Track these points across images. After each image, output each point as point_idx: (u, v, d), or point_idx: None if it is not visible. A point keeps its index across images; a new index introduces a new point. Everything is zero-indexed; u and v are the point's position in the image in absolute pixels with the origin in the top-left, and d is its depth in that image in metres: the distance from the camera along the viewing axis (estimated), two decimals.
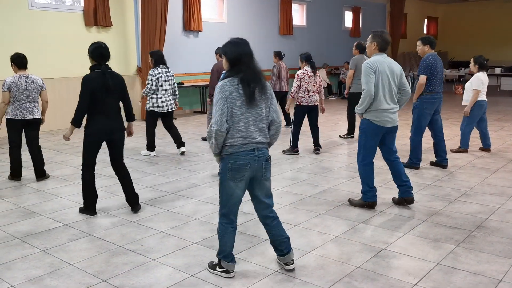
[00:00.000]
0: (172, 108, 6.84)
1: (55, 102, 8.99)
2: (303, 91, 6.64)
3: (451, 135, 8.23)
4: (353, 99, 7.42)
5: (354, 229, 3.99)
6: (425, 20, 22.94)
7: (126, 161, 6.53)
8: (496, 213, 4.38)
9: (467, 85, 6.82)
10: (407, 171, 5.85)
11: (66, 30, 9.23)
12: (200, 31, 11.54)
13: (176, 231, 3.98)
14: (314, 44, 15.31)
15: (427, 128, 6.02)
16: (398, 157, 4.60)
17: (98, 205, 4.52)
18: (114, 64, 9.62)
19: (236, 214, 3.13)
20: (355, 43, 8.04)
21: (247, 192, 3.15)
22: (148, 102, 6.75)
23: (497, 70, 16.52)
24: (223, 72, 3.14)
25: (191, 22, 11.25)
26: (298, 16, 15.08)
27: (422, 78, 5.72)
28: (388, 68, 4.27)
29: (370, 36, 4.41)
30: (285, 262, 3.24)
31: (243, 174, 3.00)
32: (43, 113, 5.60)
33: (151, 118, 6.83)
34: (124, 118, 4.48)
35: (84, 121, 4.25)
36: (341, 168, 6.11)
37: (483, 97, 6.68)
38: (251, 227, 4.00)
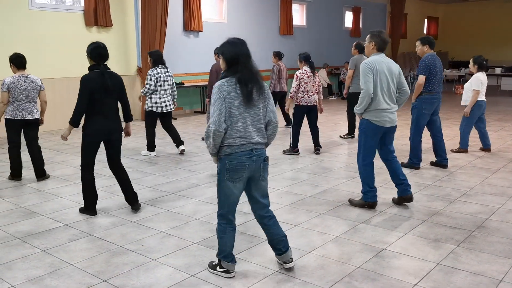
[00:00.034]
0: (171, 109, 6.84)
1: (55, 102, 8.99)
2: (302, 91, 6.64)
3: (452, 135, 8.23)
4: (352, 99, 7.42)
5: (355, 229, 3.99)
6: (426, 20, 22.93)
7: (126, 161, 6.56)
8: (497, 213, 4.38)
9: (466, 85, 6.83)
10: (408, 171, 5.86)
11: (66, 30, 9.24)
12: (200, 31, 11.54)
13: (176, 231, 3.98)
14: (315, 44, 15.31)
15: (426, 128, 6.02)
16: (395, 156, 4.60)
17: (98, 205, 4.52)
18: (114, 64, 9.69)
19: (234, 214, 3.13)
20: (354, 43, 8.05)
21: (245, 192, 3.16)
22: (147, 102, 6.75)
23: (498, 70, 16.52)
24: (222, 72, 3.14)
25: (191, 22, 11.26)
26: (299, 16, 15.08)
27: (421, 78, 5.72)
28: (386, 68, 4.28)
29: (368, 36, 4.42)
30: (283, 261, 3.24)
31: (241, 174, 3.00)
32: (42, 113, 5.60)
33: (150, 118, 6.83)
34: (122, 118, 4.47)
35: (82, 121, 4.25)
36: (341, 168, 6.11)
37: (482, 97, 6.68)
38: (251, 227, 4.00)
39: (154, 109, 6.71)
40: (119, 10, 10.05)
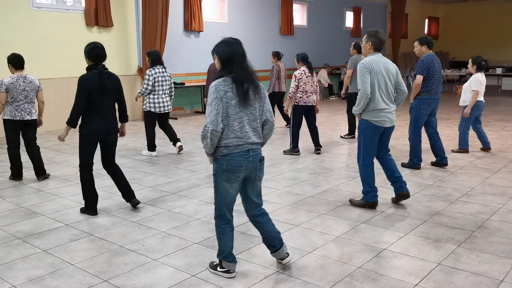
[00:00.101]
0: (169, 109, 6.84)
1: (56, 102, 9.01)
2: (301, 91, 6.63)
3: (452, 135, 8.22)
4: (352, 99, 7.41)
5: (355, 229, 3.99)
6: (426, 20, 22.93)
7: (127, 161, 6.57)
8: (497, 213, 4.38)
9: (465, 86, 6.82)
10: (408, 171, 5.86)
11: (67, 30, 9.24)
12: (201, 31, 11.54)
13: (177, 231, 3.98)
14: (315, 44, 15.31)
15: (422, 128, 6.03)
16: (390, 154, 4.61)
17: (99, 205, 4.52)
18: (115, 64, 9.72)
19: (232, 214, 3.13)
20: (353, 43, 8.06)
21: None
22: (145, 102, 6.74)
23: (498, 70, 16.50)
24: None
25: (192, 22, 11.26)
26: (299, 16, 15.08)
27: (419, 78, 5.73)
28: (384, 67, 4.27)
29: (365, 36, 4.42)
30: (280, 258, 3.24)
31: (238, 175, 3.00)
32: (40, 114, 5.60)
33: (149, 119, 6.83)
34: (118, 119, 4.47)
35: (79, 121, 4.25)
36: (342, 168, 6.11)
37: (480, 97, 6.69)
38: (251, 228, 3.99)
39: (152, 109, 6.70)
40: (120, 10, 10.06)
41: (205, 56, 11.39)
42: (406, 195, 4.57)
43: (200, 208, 4.56)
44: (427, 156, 6.34)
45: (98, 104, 4.16)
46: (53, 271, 3.26)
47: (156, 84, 6.63)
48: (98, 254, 3.54)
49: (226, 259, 3.14)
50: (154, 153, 6.91)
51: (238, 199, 3.17)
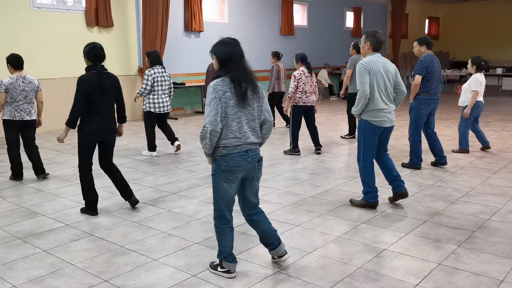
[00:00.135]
0: (168, 109, 6.85)
1: (56, 103, 9.01)
2: (300, 91, 6.63)
3: (453, 135, 8.22)
4: (352, 99, 7.41)
5: (356, 230, 3.99)
6: (427, 20, 22.92)
7: (127, 161, 6.57)
8: (498, 213, 4.37)
9: (464, 86, 6.82)
10: (408, 171, 5.86)
11: (67, 30, 9.25)
12: (201, 31, 11.54)
13: (177, 231, 3.98)
14: (315, 44, 15.31)
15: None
16: (388, 153, 4.61)
17: (99, 205, 4.53)
18: (115, 64, 9.72)
19: (231, 213, 3.14)
20: (352, 43, 8.06)
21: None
22: (145, 103, 6.73)
23: (499, 71, 16.49)
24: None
25: (192, 23, 11.26)
26: (299, 16, 15.08)
27: (417, 78, 5.73)
28: (382, 67, 4.27)
29: (363, 36, 4.42)
30: (279, 255, 3.24)
31: (237, 175, 3.00)
32: (39, 114, 5.61)
33: (149, 119, 6.83)
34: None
35: (78, 122, 4.25)
36: (342, 169, 6.11)
37: (480, 98, 6.68)
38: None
39: (152, 110, 6.70)
40: (120, 10, 10.06)
41: (205, 56, 11.30)
42: (404, 194, 4.57)
43: (201, 208, 4.56)
44: (427, 156, 6.34)
45: (97, 105, 4.16)
46: (54, 271, 3.26)
47: (155, 84, 6.62)
48: (99, 254, 3.54)
49: (226, 259, 3.14)
50: (154, 153, 6.92)
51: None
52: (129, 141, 8.09)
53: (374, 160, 4.52)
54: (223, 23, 12.30)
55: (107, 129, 4.30)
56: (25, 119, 5.39)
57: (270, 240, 3.23)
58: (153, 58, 6.73)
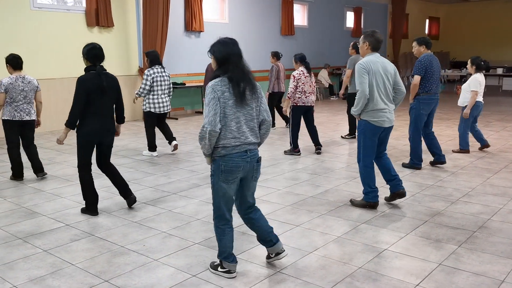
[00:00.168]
0: (168, 109, 6.85)
1: (57, 103, 9.02)
2: (300, 91, 6.63)
3: (453, 135, 8.21)
4: (352, 99, 7.41)
5: (356, 230, 3.99)
6: (427, 20, 22.92)
7: (127, 161, 6.58)
8: (498, 213, 4.37)
9: (464, 86, 6.82)
10: (409, 171, 5.86)
11: (68, 30, 9.25)
12: (201, 31, 11.55)
13: (178, 231, 3.98)
14: (316, 45, 15.31)
15: None
16: (386, 153, 4.61)
17: (99, 205, 4.53)
18: (115, 64, 9.72)
19: (231, 213, 3.14)
20: (352, 43, 8.06)
21: None
22: (145, 103, 6.73)
23: (499, 71, 16.49)
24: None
25: (192, 23, 11.26)
26: (300, 16, 15.08)
27: (416, 79, 5.72)
28: (381, 67, 4.26)
29: (361, 36, 4.42)
30: (277, 252, 3.24)
31: (236, 176, 3.00)
32: (38, 114, 5.61)
33: (149, 119, 6.83)
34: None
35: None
36: (343, 169, 6.11)
37: (479, 98, 6.68)
38: None
39: (152, 110, 6.70)
40: (121, 11, 10.06)
41: (205, 56, 11.19)
42: (402, 194, 4.56)
43: (201, 208, 4.56)
44: (428, 157, 6.33)
45: (96, 105, 4.16)
46: (54, 271, 3.27)
47: (154, 84, 6.62)
48: (99, 254, 3.54)
49: (226, 259, 3.14)
50: (154, 153, 6.92)
51: None
52: (130, 141, 8.09)
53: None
54: (223, 23, 12.30)
55: (106, 129, 4.31)
56: (24, 119, 5.39)
57: (268, 237, 3.23)
58: (152, 58, 6.73)
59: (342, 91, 8.23)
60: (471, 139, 7.09)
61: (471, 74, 6.86)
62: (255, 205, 3.25)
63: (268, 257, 3.31)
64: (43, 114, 8.21)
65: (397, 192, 4.56)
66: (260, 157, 3.13)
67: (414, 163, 6.01)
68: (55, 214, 4.45)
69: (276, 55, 9.13)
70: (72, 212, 4.48)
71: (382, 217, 4.30)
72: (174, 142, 6.97)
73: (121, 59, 10.13)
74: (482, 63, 6.75)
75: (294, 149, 6.90)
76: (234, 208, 3.16)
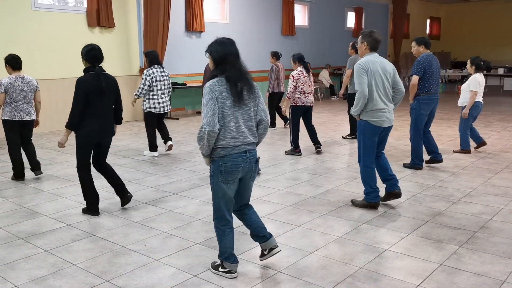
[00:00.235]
0: (168, 109, 6.85)
1: (58, 103, 9.02)
2: (299, 91, 6.62)
3: (454, 135, 8.21)
4: (353, 99, 7.41)
5: (357, 230, 3.98)
6: (428, 20, 22.91)
7: (128, 161, 6.58)
8: (500, 213, 4.37)
9: (464, 86, 6.82)
10: (410, 171, 5.86)
11: (69, 30, 9.25)
12: (202, 31, 11.55)
13: (178, 232, 3.98)
14: (317, 45, 15.31)
15: None
16: (384, 152, 4.61)
17: (100, 206, 4.53)
18: (116, 64, 9.73)
19: (231, 214, 3.14)
20: (351, 43, 8.07)
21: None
22: (145, 103, 6.73)
23: (500, 71, 16.48)
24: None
25: (193, 23, 11.26)
26: (301, 16, 15.08)
27: (414, 79, 5.72)
28: (380, 67, 4.26)
29: (360, 36, 4.41)
30: (271, 247, 3.24)
31: (236, 176, 3.00)
32: (37, 114, 5.62)
33: (150, 119, 6.82)
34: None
35: None
36: (344, 169, 6.11)
37: (479, 98, 6.68)
38: None
39: (153, 110, 6.70)
40: (122, 11, 10.07)
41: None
42: (397, 195, 4.56)
43: (202, 209, 4.56)
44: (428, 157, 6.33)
45: (95, 106, 4.16)
46: (55, 271, 3.27)
47: (154, 84, 6.62)
48: (100, 254, 3.55)
49: (227, 259, 3.14)
50: (155, 154, 6.92)
51: None
52: (130, 141, 8.09)
53: None
54: (224, 24, 12.30)
55: (106, 130, 4.32)
56: (24, 119, 5.40)
57: (262, 232, 3.23)
58: (151, 58, 6.73)
59: (342, 91, 8.23)
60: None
61: (471, 74, 6.85)
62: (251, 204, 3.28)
63: (262, 254, 3.30)
64: (44, 115, 8.23)
65: (392, 192, 4.56)
66: (259, 157, 3.14)
67: (415, 163, 6.00)
68: (56, 214, 4.45)
69: (275, 55, 9.12)
70: (73, 212, 4.48)
71: (383, 217, 4.29)
72: (169, 143, 6.98)
73: (122, 60, 10.13)
74: (482, 63, 6.74)
75: (295, 149, 6.90)
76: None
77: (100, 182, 5.00)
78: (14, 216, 4.41)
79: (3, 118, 5.38)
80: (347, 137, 8.26)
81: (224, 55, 2.96)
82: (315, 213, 4.40)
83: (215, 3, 12.31)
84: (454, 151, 6.95)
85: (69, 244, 3.74)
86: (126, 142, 7.94)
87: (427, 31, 22.86)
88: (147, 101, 6.69)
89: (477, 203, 4.66)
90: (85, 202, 4.44)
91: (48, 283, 3.10)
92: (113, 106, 4.38)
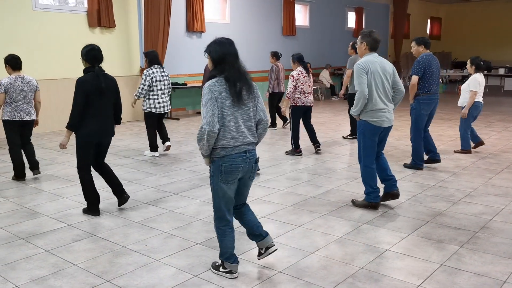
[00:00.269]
0: (168, 109, 6.86)
1: (58, 103, 9.02)
2: (299, 91, 6.62)
3: (454, 135, 8.21)
4: (353, 99, 7.41)
5: (358, 230, 3.98)
6: (428, 20, 22.90)
7: (129, 161, 6.58)
8: (500, 214, 4.37)
9: (464, 86, 6.82)
10: (410, 172, 5.86)
11: (69, 31, 9.26)
12: (203, 31, 11.55)
13: (179, 232, 3.98)
14: (317, 45, 15.31)
15: None
16: (383, 152, 4.61)
17: (101, 206, 4.53)
18: (117, 65, 9.73)
19: (231, 214, 3.14)
20: (351, 43, 8.07)
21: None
22: (145, 103, 6.73)
23: (501, 71, 16.48)
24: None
25: (194, 23, 11.27)
26: (301, 16, 15.08)
27: (414, 79, 5.72)
28: (380, 67, 4.26)
29: (359, 37, 4.40)
30: (268, 245, 3.25)
31: (236, 176, 3.01)
32: (36, 114, 5.63)
33: (150, 119, 6.82)
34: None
35: None
36: (344, 169, 6.11)
37: (479, 98, 6.68)
38: None
39: (153, 110, 6.70)
40: (122, 11, 10.07)
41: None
42: (396, 195, 4.56)
43: (202, 209, 4.56)
44: None
45: (95, 106, 4.17)
46: (56, 271, 3.27)
47: (154, 84, 6.62)
48: (101, 254, 3.55)
49: (228, 260, 3.14)
50: (156, 154, 6.92)
51: None
52: (131, 141, 8.10)
53: None
54: (225, 24, 12.30)
55: (105, 130, 4.32)
56: (25, 119, 5.40)
57: (258, 231, 3.24)
58: (151, 58, 6.73)
59: (342, 91, 8.23)
60: None
61: (471, 74, 6.85)
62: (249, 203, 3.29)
63: (259, 253, 3.30)
64: (44, 115, 8.24)
65: (391, 192, 4.56)
66: (258, 157, 3.15)
67: (416, 163, 6.00)
68: (57, 214, 4.45)
69: (275, 55, 9.12)
70: (74, 213, 4.48)
71: (384, 217, 4.29)
72: (167, 143, 6.98)
73: (123, 60, 10.12)
74: (482, 63, 6.74)
75: (296, 150, 6.90)
76: None
77: (100, 182, 5.00)
78: (15, 216, 4.41)
79: (3, 118, 5.39)
80: (348, 137, 8.26)
81: (223, 55, 2.96)
82: (315, 213, 4.40)
83: (215, 3, 12.31)
84: (455, 151, 6.95)
85: (70, 244, 3.74)
86: (127, 142, 7.94)
87: (428, 31, 22.85)
88: (147, 101, 6.69)
89: (478, 203, 4.66)
90: (86, 202, 4.45)
91: (48, 283, 3.10)
92: (113, 106, 4.39)
